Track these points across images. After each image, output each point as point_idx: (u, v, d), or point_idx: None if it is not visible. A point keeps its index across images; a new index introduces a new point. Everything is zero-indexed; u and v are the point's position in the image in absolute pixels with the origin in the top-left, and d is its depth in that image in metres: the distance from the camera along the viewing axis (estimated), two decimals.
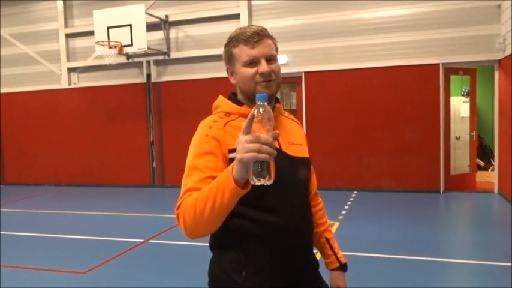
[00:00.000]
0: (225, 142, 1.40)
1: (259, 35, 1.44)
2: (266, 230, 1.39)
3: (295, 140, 1.55)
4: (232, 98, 1.54)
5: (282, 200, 1.42)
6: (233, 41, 1.47)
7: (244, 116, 1.45)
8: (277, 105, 1.55)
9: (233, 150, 1.35)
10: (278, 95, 1.58)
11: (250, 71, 1.44)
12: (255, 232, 1.40)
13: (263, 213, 1.40)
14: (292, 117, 1.68)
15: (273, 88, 1.46)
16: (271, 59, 1.46)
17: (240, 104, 1.50)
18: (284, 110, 1.65)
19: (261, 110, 1.13)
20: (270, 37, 1.49)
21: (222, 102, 1.54)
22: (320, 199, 1.80)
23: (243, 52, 1.44)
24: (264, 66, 1.43)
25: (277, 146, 1.44)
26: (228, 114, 1.49)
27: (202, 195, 1.24)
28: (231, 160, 1.37)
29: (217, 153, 1.38)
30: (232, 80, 1.53)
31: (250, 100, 1.47)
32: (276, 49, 1.51)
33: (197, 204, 1.24)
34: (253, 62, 1.44)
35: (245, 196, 1.26)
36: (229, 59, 1.51)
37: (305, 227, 1.53)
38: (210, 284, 1.52)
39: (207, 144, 1.39)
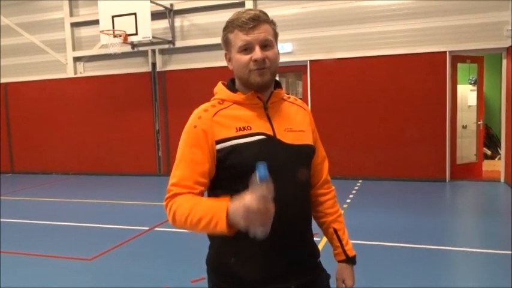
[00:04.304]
0: (212, 133, 1.40)
1: (255, 21, 1.40)
2: None
3: (294, 127, 1.51)
4: (229, 84, 1.53)
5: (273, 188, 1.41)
6: (229, 26, 1.46)
7: (238, 102, 1.47)
8: (276, 90, 1.52)
9: (220, 141, 1.39)
10: (283, 84, 1.56)
11: (245, 58, 1.42)
12: None
13: None
14: (297, 102, 1.63)
15: (267, 76, 1.43)
16: (266, 45, 1.42)
17: (234, 90, 1.50)
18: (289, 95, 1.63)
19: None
20: (269, 22, 1.44)
21: (219, 89, 1.54)
22: (332, 187, 1.69)
23: (238, 38, 1.43)
24: (257, 53, 1.40)
25: (271, 132, 1.45)
26: (222, 101, 1.48)
27: (196, 215, 1.28)
28: (218, 151, 1.40)
29: (203, 145, 1.40)
30: (230, 66, 1.51)
31: (246, 86, 1.47)
32: (275, 35, 1.47)
33: (189, 218, 1.30)
34: (247, 48, 1.41)
35: (235, 185, 1.32)
36: (226, 44, 1.50)
37: (299, 216, 1.48)
38: (207, 268, 1.55)
39: (195, 136, 1.41)
